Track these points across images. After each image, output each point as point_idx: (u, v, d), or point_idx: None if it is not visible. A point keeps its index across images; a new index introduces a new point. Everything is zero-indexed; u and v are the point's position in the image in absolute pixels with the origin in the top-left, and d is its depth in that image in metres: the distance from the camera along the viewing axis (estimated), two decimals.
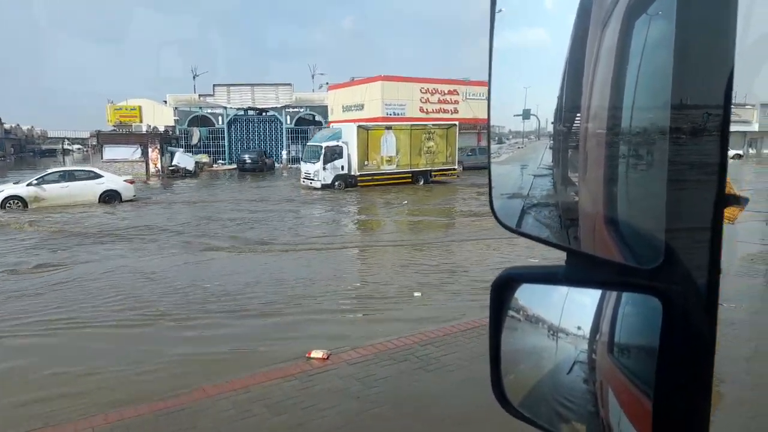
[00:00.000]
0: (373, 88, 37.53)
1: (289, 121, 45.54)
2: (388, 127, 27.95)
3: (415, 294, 8.43)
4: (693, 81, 0.49)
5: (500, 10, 0.75)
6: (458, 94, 38.32)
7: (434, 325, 6.88)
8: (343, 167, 26.26)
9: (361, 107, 38.59)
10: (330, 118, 41.26)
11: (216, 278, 9.56)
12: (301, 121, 45.56)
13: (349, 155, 26.33)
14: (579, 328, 0.60)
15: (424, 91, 37.58)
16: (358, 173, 26.38)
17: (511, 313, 0.66)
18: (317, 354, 5.95)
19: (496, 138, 0.95)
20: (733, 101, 0.58)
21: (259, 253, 12.02)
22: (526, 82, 0.78)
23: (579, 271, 0.60)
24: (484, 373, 0.69)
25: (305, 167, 27.36)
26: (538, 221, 0.71)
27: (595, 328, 0.59)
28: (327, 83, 48.52)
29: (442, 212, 19.22)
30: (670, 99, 0.49)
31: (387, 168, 27.37)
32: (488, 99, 0.75)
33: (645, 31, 0.56)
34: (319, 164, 25.97)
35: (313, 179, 26.36)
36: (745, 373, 5.34)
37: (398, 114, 36.02)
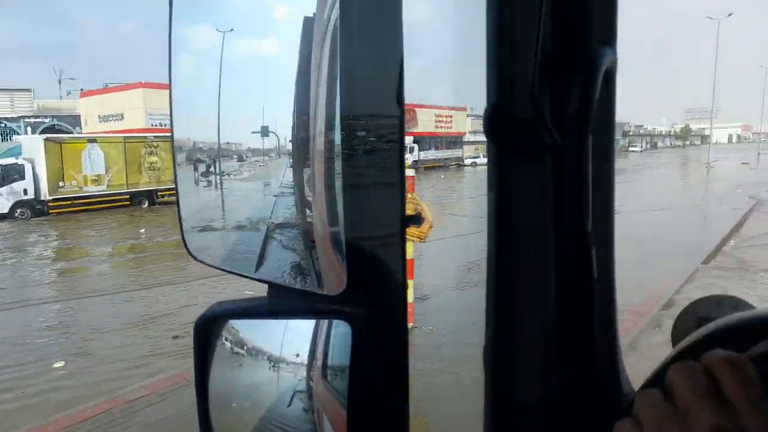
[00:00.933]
0: (134, 96, 34.18)
1: (30, 134, 39.14)
2: (92, 140, 23.30)
3: (56, 365, 6.49)
4: (362, 94, 0.51)
5: (232, 29, 0.73)
6: None
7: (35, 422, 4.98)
8: (26, 191, 20.62)
9: (120, 117, 34.77)
10: (84, 129, 36.35)
11: None
12: (48, 134, 39.64)
13: (35, 175, 20.83)
14: (297, 355, 0.58)
15: None
16: (49, 197, 21.05)
17: (234, 349, 0.62)
18: None
19: (236, 156, 0.92)
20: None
21: None
22: (262, 97, 0.77)
23: (278, 302, 0.59)
24: None
25: None
26: (238, 253, 0.69)
27: (312, 354, 0.58)
28: (82, 89, 42.87)
29: (152, 246, 15.10)
30: (348, 114, 0.50)
31: (93, 189, 22.47)
32: (171, 115, 0.70)
33: None
34: None
35: None
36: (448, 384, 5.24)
37: (166, 125, 33.53)
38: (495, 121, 0.58)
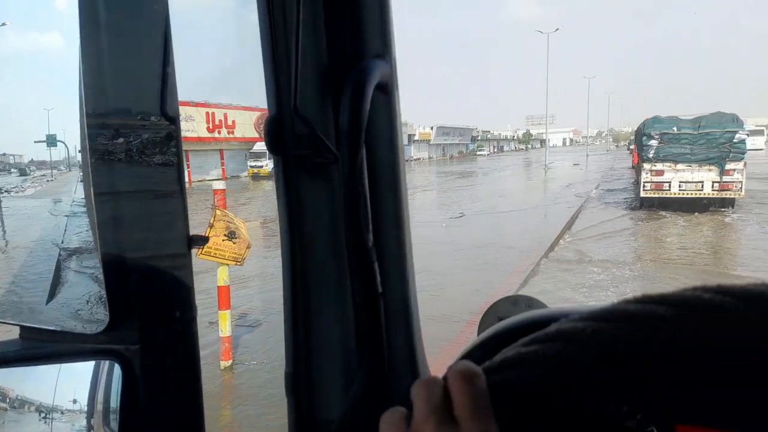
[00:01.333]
0: None
1: None
2: None
3: None
4: (111, 93, 0.45)
5: (3, 24, 0.62)
6: None
7: None
8: None
9: None
10: None
11: None
12: None
13: None
14: (75, 402, 0.49)
15: None
16: None
17: None
18: None
19: (16, 170, 0.78)
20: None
21: None
22: (47, 100, 0.66)
23: (33, 345, 0.50)
24: None
25: None
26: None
27: (92, 399, 0.50)
28: None
29: None
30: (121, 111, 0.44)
31: None
32: None
33: None
34: None
35: None
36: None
37: None
38: (274, 134, 0.55)
